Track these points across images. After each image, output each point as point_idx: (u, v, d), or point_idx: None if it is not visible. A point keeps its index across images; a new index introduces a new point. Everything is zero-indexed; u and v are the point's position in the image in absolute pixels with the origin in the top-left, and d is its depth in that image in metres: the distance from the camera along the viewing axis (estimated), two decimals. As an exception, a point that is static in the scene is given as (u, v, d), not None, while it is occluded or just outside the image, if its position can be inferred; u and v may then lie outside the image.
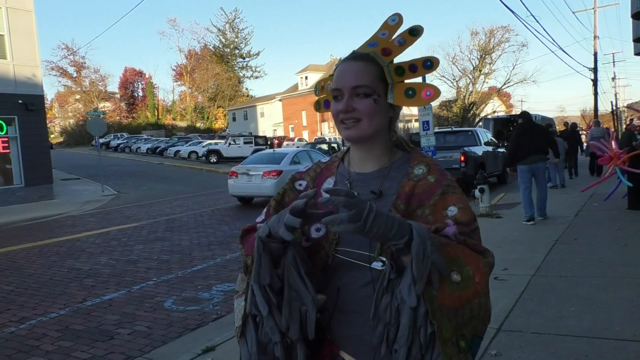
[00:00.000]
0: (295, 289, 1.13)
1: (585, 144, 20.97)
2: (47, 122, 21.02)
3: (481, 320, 1.10)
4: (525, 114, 8.43)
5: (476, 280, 1.07)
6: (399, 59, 1.25)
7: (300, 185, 1.35)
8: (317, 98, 1.40)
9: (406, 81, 1.23)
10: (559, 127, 25.31)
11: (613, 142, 8.20)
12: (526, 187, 7.88)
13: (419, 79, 1.29)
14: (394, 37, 1.28)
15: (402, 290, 1.03)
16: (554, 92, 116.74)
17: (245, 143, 33.47)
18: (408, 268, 1.02)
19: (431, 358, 1.04)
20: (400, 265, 1.06)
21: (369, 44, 1.28)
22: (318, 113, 1.58)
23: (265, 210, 1.36)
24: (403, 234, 1.02)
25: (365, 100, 1.19)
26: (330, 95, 1.29)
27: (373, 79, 1.20)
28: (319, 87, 1.37)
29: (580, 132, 19.20)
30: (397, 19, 1.31)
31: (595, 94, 29.16)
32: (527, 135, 7.92)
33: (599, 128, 15.47)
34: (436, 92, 1.22)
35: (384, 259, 1.15)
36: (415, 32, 1.27)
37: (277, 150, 15.75)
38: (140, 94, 67.80)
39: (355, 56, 1.23)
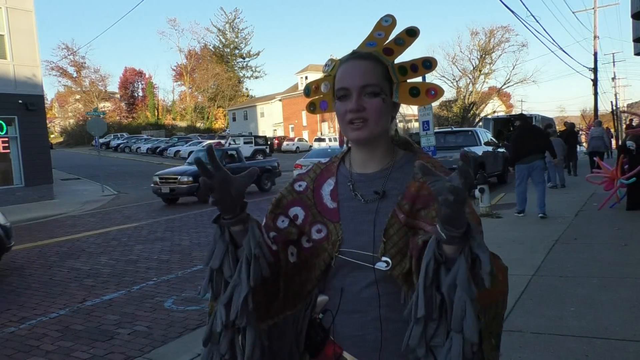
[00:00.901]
0: (240, 273, 1.13)
1: (585, 143, 21.08)
2: (47, 122, 21.02)
3: (500, 320, 1.14)
4: (522, 117, 9.32)
5: (500, 278, 1.09)
6: (398, 59, 1.26)
7: (300, 186, 1.34)
8: (309, 100, 1.38)
9: (409, 80, 1.24)
10: (559, 127, 25.32)
11: (604, 164, 8.58)
12: (520, 184, 8.47)
13: (420, 79, 1.29)
14: (391, 37, 1.29)
15: (460, 282, 0.95)
16: (554, 92, 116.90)
17: (245, 143, 33.50)
18: (461, 259, 0.96)
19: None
20: (446, 258, 1.00)
21: (367, 43, 1.28)
22: (311, 114, 1.54)
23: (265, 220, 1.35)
24: (464, 225, 0.96)
25: (374, 99, 1.18)
26: (328, 95, 1.29)
27: (380, 78, 1.20)
28: (312, 88, 1.36)
29: (580, 132, 19.29)
30: (390, 20, 1.32)
31: (595, 94, 29.17)
32: (527, 136, 8.47)
33: (599, 128, 15.56)
34: (440, 91, 1.23)
35: (388, 259, 1.14)
36: (412, 33, 1.28)
37: (332, 146, 17.19)
38: (140, 94, 67.85)
39: (360, 55, 1.23)
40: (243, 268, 1.12)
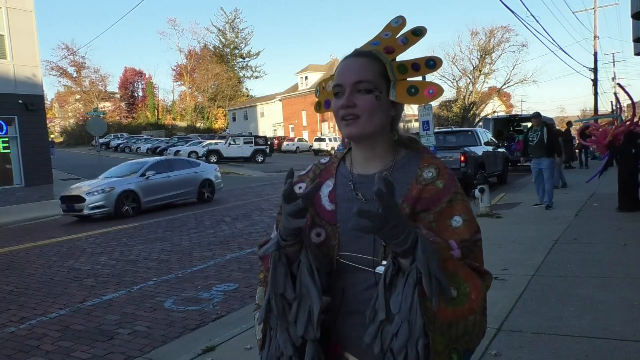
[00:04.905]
0: (305, 286, 1.14)
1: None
2: (47, 122, 21.02)
3: (475, 336, 1.11)
4: (537, 115, 10.05)
5: (472, 297, 1.08)
6: (401, 57, 1.25)
7: (300, 188, 1.34)
8: (317, 99, 1.38)
9: (408, 79, 1.22)
10: (561, 127, 25.38)
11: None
12: (553, 177, 9.29)
13: (420, 78, 1.29)
14: (396, 36, 1.28)
15: (405, 298, 1.03)
16: (554, 92, 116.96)
17: (245, 143, 33.50)
18: (411, 275, 1.03)
19: None
20: (400, 266, 1.07)
21: (371, 43, 1.28)
22: (318, 113, 1.55)
23: (275, 226, 1.35)
24: (407, 242, 1.02)
25: (366, 96, 1.18)
26: (332, 94, 1.29)
27: (375, 75, 1.19)
28: (320, 88, 1.36)
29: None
30: (400, 21, 1.31)
31: (595, 94, 29.21)
32: (555, 136, 9.75)
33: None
34: (439, 90, 1.21)
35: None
36: (418, 33, 1.27)
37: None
38: (140, 94, 67.83)
39: (357, 53, 1.23)
40: (309, 281, 1.13)
